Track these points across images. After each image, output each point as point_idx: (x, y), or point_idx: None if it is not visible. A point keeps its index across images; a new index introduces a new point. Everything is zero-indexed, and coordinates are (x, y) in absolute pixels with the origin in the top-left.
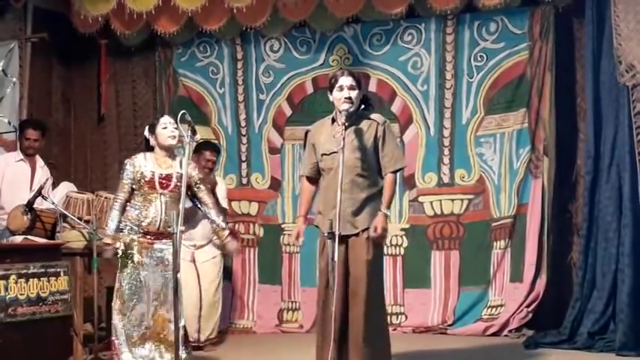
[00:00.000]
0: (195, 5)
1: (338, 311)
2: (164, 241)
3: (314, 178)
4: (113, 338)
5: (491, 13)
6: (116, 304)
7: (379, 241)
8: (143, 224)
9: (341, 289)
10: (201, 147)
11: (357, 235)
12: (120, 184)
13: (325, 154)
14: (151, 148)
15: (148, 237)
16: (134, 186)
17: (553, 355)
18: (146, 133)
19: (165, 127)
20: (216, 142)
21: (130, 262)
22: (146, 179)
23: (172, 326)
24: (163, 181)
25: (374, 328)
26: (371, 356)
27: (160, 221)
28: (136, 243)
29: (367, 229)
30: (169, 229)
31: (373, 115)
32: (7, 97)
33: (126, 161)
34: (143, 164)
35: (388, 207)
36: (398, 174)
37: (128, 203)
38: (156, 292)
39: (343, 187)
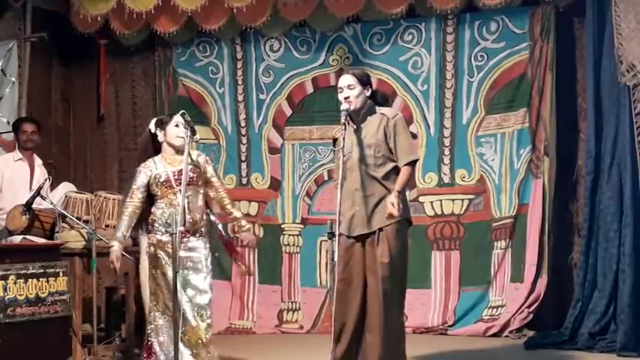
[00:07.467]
0: (194, 5)
1: (339, 311)
2: (197, 238)
3: None
4: (152, 340)
5: (492, 13)
6: (158, 304)
7: (394, 218)
8: (171, 224)
9: (360, 287)
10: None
11: (372, 234)
12: (130, 191)
13: (344, 155)
14: (157, 145)
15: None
16: (154, 191)
17: (554, 355)
18: (152, 127)
19: (177, 126)
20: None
21: (160, 261)
22: (161, 180)
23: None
24: (179, 178)
25: (390, 329)
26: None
27: (186, 219)
28: (163, 243)
29: (382, 228)
30: (197, 226)
31: (384, 110)
32: (6, 97)
33: (138, 168)
34: (154, 167)
35: (400, 189)
36: (414, 165)
37: (152, 205)
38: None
39: (358, 185)
